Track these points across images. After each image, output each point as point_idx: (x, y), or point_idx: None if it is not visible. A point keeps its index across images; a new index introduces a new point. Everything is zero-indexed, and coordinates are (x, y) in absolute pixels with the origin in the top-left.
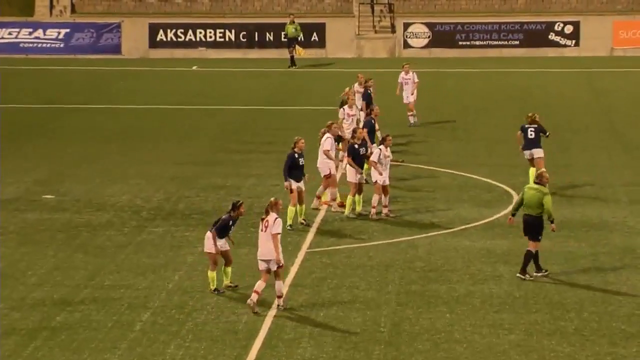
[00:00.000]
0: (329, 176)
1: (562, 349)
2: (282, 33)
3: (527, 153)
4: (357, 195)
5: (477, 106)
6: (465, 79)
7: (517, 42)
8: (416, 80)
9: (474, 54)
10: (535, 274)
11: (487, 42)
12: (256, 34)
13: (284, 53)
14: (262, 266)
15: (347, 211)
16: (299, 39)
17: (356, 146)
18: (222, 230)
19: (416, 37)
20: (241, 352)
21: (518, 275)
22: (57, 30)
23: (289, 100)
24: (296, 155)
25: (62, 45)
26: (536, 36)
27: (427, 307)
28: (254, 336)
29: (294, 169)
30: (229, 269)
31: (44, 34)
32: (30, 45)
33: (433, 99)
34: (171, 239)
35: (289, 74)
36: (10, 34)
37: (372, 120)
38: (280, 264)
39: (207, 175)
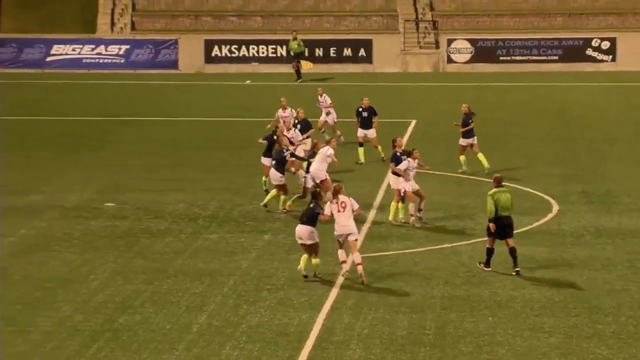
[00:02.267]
0: (324, 181)
1: (600, 351)
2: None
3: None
4: (400, 203)
5: (517, 118)
6: (506, 92)
7: (555, 58)
8: (329, 102)
9: (514, 68)
10: (486, 268)
11: (527, 57)
12: (306, 50)
13: (333, 68)
14: (341, 238)
15: (391, 217)
16: (303, 53)
17: (398, 154)
18: (312, 219)
19: (459, 53)
20: (293, 353)
21: (517, 270)
22: (117, 46)
23: (338, 113)
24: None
25: (122, 61)
26: (574, 52)
27: (470, 311)
28: (304, 338)
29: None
30: (316, 261)
31: (106, 50)
32: (92, 60)
33: (474, 111)
34: (226, 245)
35: (338, 89)
36: (73, 50)
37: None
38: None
39: (259, 185)
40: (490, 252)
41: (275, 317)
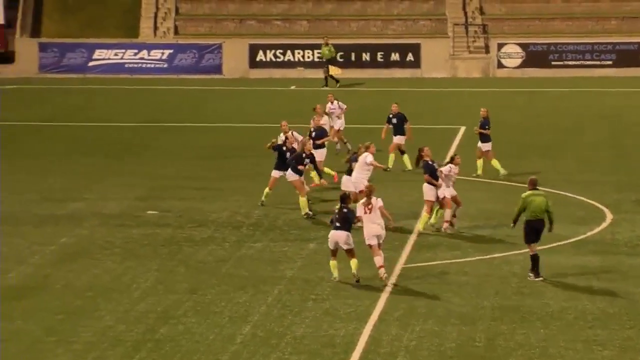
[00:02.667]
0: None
1: None
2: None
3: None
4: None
5: (569, 125)
6: (558, 98)
7: (609, 63)
8: (345, 107)
9: (567, 73)
10: (537, 278)
11: (580, 62)
12: (353, 54)
13: (381, 73)
14: (372, 241)
15: (421, 227)
16: (334, 58)
17: (430, 162)
18: (348, 224)
19: (510, 57)
20: None
21: (537, 279)
22: (160, 51)
23: (382, 118)
24: (304, 155)
25: (165, 66)
26: (628, 56)
27: (521, 323)
28: (351, 349)
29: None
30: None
31: (148, 55)
32: (135, 65)
33: (525, 117)
34: (270, 253)
35: (383, 93)
36: (116, 54)
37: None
38: (391, 226)
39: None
40: (535, 259)
41: (321, 327)
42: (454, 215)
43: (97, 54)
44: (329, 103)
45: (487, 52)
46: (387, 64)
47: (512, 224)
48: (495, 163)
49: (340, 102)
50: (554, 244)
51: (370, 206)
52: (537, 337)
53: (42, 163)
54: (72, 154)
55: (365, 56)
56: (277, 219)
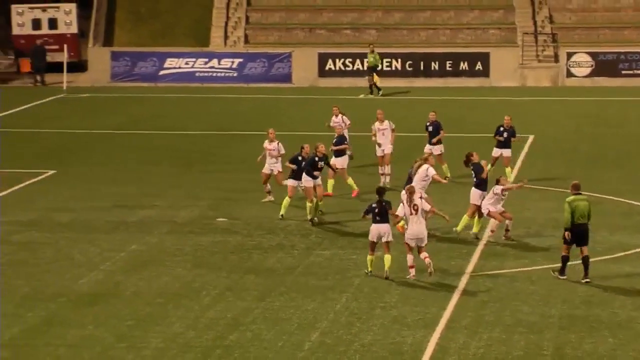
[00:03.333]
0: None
1: None
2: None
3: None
4: (475, 218)
5: (639, 134)
6: (628, 107)
7: None
8: (348, 122)
9: (638, 82)
10: (561, 276)
11: None
12: (422, 63)
13: (449, 82)
14: (412, 244)
15: (459, 227)
16: (378, 67)
17: (479, 164)
18: (387, 216)
19: (579, 66)
20: None
21: (587, 280)
22: (231, 60)
23: (452, 127)
24: (316, 159)
25: (235, 75)
26: None
27: (589, 332)
28: (419, 357)
29: (314, 170)
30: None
31: (219, 64)
32: (206, 74)
33: (596, 127)
34: (338, 261)
35: (451, 102)
36: (187, 63)
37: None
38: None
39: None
40: (565, 259)
41: (389, 335)
42: (507, 230)
43: (168, 62)
44: (334, 116)
45: (557, 61)
46: (456, 72)
47: (566, 233)
48: (507, 171)
49: (345, 117)
50: (622, 253)
51: (416, 207)
52: (606, 346)
53: (114, 171)
54: (143, 162)
55: (434, 65)
56: (346, 227)
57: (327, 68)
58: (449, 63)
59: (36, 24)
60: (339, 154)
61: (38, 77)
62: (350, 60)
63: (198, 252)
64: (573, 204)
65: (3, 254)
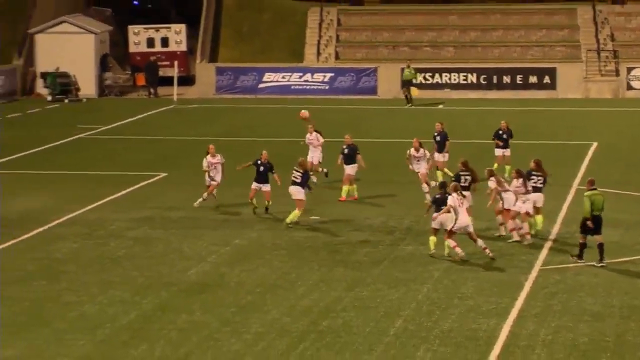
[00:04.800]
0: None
1: None
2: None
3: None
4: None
5: None
6: None
7: None
8: (321, 140)
9: None
10: (580, 261)
11: None
12: (495, 77)
13: (520, 94)
14: (460, 231)
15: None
16: (414, 81)
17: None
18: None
19: (638, 80)
20: (481, 357)
21: (601, 264)
22: (322, 74)
23: (523, 135)
24: (259, 163)
25: (327, 88)
26: None
27: None
28: (492, 342)
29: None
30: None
31: (312, 78)
32: (300, 87)
33: None
34: (420, 256)
35: (523, 113)
36: (283, 77)
37: None
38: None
39: None
40: (583, 246)
41: (466, 322)
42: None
43: (267, 76)
44: (308, 133)
45: (617, 75)
46: (526, 85)
47: (588, 222)
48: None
49: (319, 135)
50: None
51: (462, 200)
52: None
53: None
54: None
55: (506, 79)
56: (427, 224)
57: (416, 82)
58: (520, 77)
59: (150, 42)
60: (350, 161)
61: (151, 90)
62: (430, 74)
63: (293, 247)
64: (592, 197)
65: (120, 247)
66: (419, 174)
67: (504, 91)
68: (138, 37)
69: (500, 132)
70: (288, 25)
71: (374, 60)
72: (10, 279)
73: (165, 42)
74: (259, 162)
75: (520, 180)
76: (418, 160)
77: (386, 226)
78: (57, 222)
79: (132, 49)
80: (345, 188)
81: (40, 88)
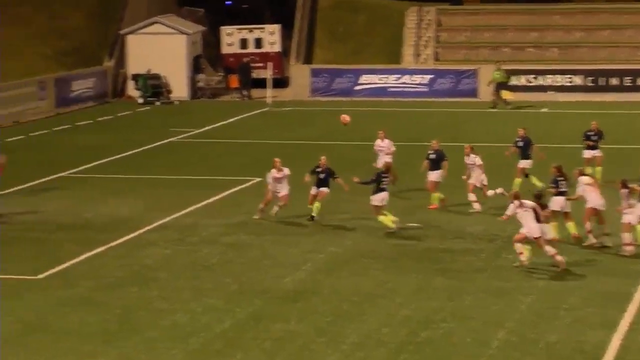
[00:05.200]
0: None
1: None
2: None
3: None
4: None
5: None
6: None
7: None
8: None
9: None
10: None
11: None
12: (601, 79)
13: (628, 97)
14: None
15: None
16: (506, 83)
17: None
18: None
19: None
20: None
21: None
22: (421, 76)
23: (621, 140)
24: (318, 170)
25: (425, 90)
26: None
27: None
28: (601, 356)
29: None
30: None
31: (410, 80)
32: (397, 89)
33: None
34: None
35: (625, 116)
36: (380, 79)
37: None
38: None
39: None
40: None
41: (572, 334)
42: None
43: (363, 78)
44: (379, 139)
45: None
46: (636, 88)
47: None
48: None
49: (390, 142)
50: None
51: (524, 208)
52: None
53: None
54: (340, 171)
55: (614, 81)
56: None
57: (510, 83)
58: (628, 79)
59: (243, 43)
60: (435, 167)
61: (244, 92)
62: (534, 76)
63: (391, 254)
64: None
65: (213, 253)
66: (468, 182)
67: (612, 93)
68: (231, 37)
69: (590, 133)
70: (385, 26)
71: (474, 61)
72: (100, 286)
73: (258, 43)
74: (318, 169)
75: (625, 191)
76: (472, 168)
77: (487, 234)
78: (148, 227)
79: (225, 50)
80: (434, 195)
81: (131, 90)
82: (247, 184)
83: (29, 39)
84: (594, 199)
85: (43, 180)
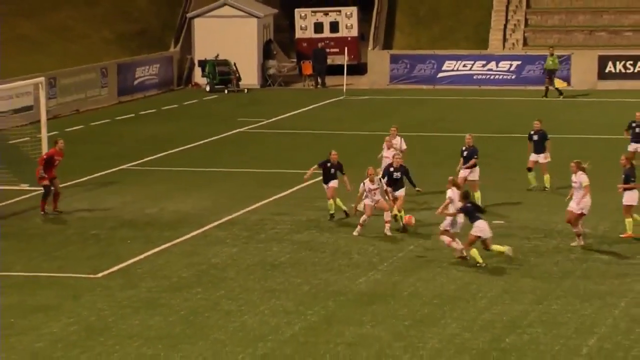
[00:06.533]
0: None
1: None
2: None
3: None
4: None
5: None
6: None
7: None
8: (404, 147)
9: None
10: None
11: None
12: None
13: None
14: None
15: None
16: (556, 70)
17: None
18: None
19: None
20: None
21: None
22: (509, 62)
23: None
24: (328, 165)
25: (513, 77)
26: None
27: None
28: None
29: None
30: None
31: (497, 67)
32: (483, 77)
33: None
34: (616, 266)
35: None
36: (464, 66)
37: None
38: None
39: None
40: None
41: None
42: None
43: (447, 65)
44: (390, 136)
45: None
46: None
47: None
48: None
49: (403, 141)
50: None
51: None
52: None
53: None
54: (424, 164)
55: None
56: (622, 233)
57: (607, 70)
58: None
59: (318, 27)
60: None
61: (319, 80)
62: (631, 62)
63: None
64: None
65: (284, 252)
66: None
67: None
68: (305, 21)
69: (634, 124)
70: (471, 9)
71: (567, 46)
72: (164, 286)
73: (334, 27)
74: (328, 164)
75: None
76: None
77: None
78: (214, 224)
79: (299, 34)
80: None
81: (198, 77)
82: (320, 179)
83: (91, 21)
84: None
85: (103, 173)
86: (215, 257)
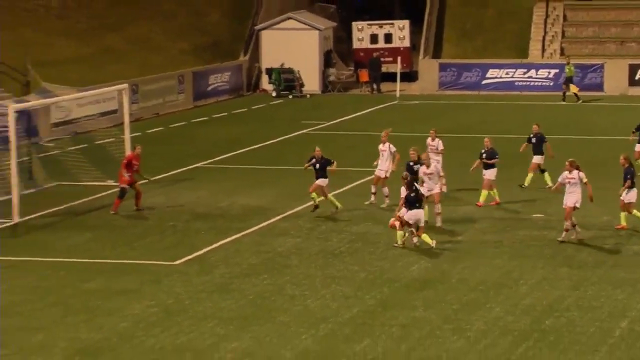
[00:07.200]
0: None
1: None
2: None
3: None
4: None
5: None
6: None
7: None
8: (441, 147)
9: None
10: None
11: None
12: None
13: None
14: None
15: None
16: (573, 78)
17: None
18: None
19: None
20: None
21: None
22: (547, 70)
23: None
24: (313, 160)
25: (551, 84)
26: None
27: None
28: None
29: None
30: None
31: (536, 74)
32: (524, 83)
33: None
34: None
35: None
36: (507, 73)
37: None
38: None
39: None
40: None
41: None
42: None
43: (490, 73)
44: (429, 139)
45: None
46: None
47: None
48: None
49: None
50: None
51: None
52: None
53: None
54: (467, 164)
55: None
56: None
57: (637, 78)
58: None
59: (373, 38)
60: (489, 166)
61: (374, 86)
62: None
63: (516, 245)
64: None
65: (343, 242)
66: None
67: None
68: (361, 33)
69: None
70: (513, 22)
71: (600, 56)
72: (235, 272)
73: (388, 38)
74: (313, 160)
75: None
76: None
77: (611, 225)
78: (280, 216)
79: (356, 45)
80: (484, 193)
81: (265, 84)
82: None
83: (170, 33)
84: None
85: (180, 170)
86: (280, 247)
